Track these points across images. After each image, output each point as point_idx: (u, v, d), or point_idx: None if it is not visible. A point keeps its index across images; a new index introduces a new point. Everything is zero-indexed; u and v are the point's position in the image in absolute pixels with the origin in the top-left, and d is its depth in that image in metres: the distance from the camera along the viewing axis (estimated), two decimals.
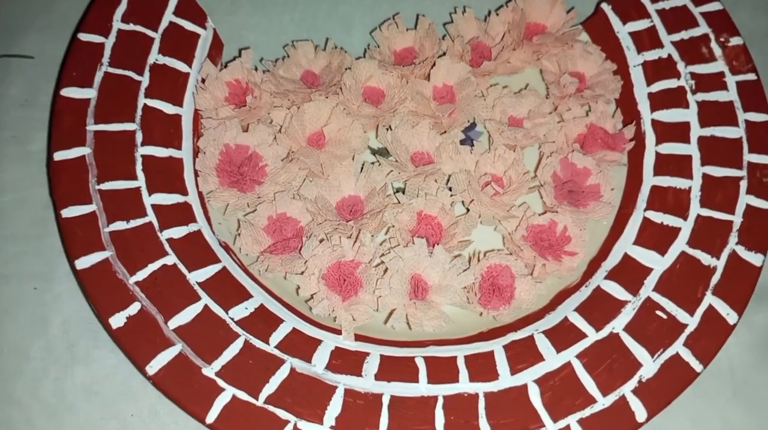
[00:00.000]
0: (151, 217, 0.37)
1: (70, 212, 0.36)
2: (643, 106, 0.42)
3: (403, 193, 0.40)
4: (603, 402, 0.34)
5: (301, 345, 0.35)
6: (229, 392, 0.33)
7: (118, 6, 0.41)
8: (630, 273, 0.37)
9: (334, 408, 0.33)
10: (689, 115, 0.41)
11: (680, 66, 0.42)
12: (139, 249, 0.36)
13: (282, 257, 0.37)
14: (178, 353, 0.34)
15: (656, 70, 0.42)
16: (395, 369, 0.35)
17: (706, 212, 0.38)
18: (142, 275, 0.35)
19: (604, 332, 0.36)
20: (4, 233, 0.40)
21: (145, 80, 0.40)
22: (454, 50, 0.43)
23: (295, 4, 0.48)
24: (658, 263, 0.37)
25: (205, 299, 0.35)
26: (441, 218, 0.39)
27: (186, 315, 0.35)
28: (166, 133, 0.40)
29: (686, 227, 0.38)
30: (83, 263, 0.35)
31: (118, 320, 0.34)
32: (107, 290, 0.35)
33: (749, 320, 0.38)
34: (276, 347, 0.35)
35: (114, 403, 0.36)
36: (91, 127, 0.38)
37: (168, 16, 0.42)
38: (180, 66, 0.41)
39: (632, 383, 0.34)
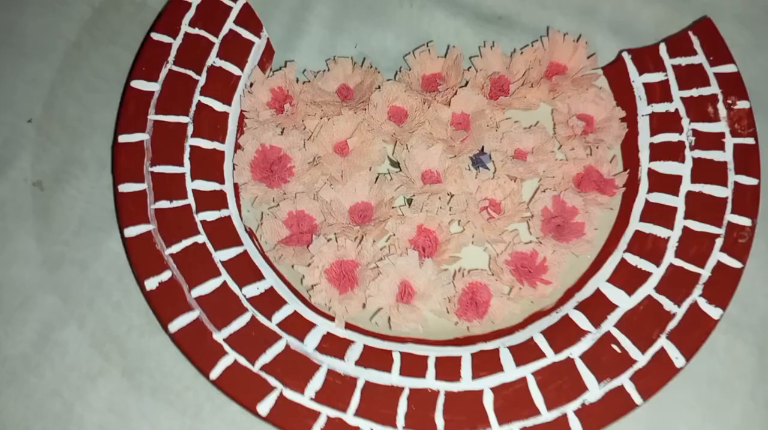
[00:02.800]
0: (190, 200, 0.43)
1: (125, 188, 0.43)
2: (644, 155, 0.45)
3: (410, 205, 0.45)
4: (546, 416, 0.38)
5: (298, 326, 0.41)
6: (231, 356, 0.40)
7: (187, 11, 0.48)
8: (597, 307, 0.41)
9: (316, 383, 0.39)
10: (683, 169, 0.44)
11: (684, 122, 0.45)
12: (177, 226, 0.42)
13: (294, 249, 0.43)
14: (196, 318, 0.40)
15: (661, 123, 0.45)
16: (373, 358, 0.40)
17: (678, 262, 0.42)
18: (176, 248, 0.42)
19: (561, 356, 0.40)
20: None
21: (202, 79, 0.46)
22: (476, 81, 0.48)
23: (344, 28, 0.53)
24: (624, 302, 0.41)
25: (225, 276, 0.42)
26: (438, 233, 0.44)
27: (207, 287, 0.41)
28: (214, 128, 0.46)
29: (657, 273, 0.42)
30: (131, 232, 0.42)
31: (151, 283, 0.41)
32: (146, 258, 0.41)
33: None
34: (277, 324, 0.41)
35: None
36: (152, 116, 0.45)
37: (229, 24, 0.48)
38: (233, 69, 0.47)
39: (575, 404, 0.38)
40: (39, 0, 0.55)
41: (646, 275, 0.42)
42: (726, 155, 0.44)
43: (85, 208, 0.48)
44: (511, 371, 0.40)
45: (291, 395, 0.39)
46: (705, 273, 0.41)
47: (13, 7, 0.54)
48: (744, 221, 0.42)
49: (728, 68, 0.46)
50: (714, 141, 0.44)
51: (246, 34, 0.48)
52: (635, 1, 0.53)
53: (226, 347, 0.40)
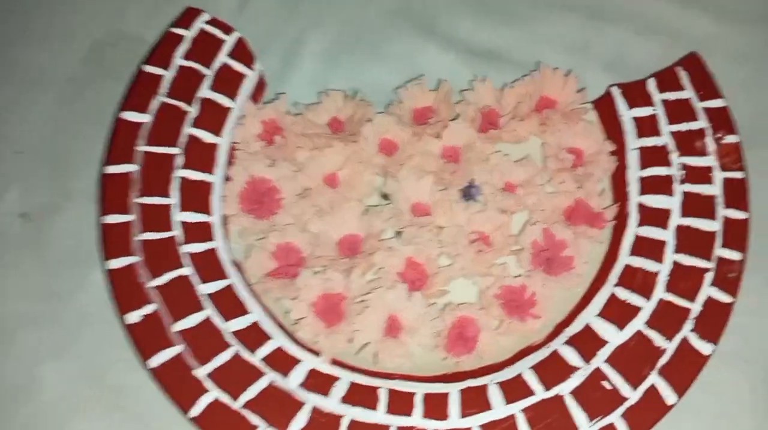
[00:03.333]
0: (177, 231, 0.43)
1: (111, 219, 0.43)
2: (633, 188, 0.45)
3: (400, 236, 0.45)
4: None
5: (282, 362, 0.40)
6: (213, 394, 0.39)
7: (180, 44, 0.48)
8: (587, 342, 0.41)
9: (300, 422, 0.38)
10: (673, 203, 0.44)
11: (673, 156, 0.45)
12: (162, 258, 0.42)
13: (280, 282, 0.43)
14: (177, 354, 0.40)
15: (650, 157, 0.45)
16: (359, 395, 0.39)
17: (668, 297, 0.41)
18: (160, 280, 0.41)
19: (551, 393, 0.39)
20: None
21: (193, 111, 0.47)
22: (467, 115, 0.48)
23: (337, 62, 0.53)
24: (614, 337, 0.41)
25: (209, 310, 0.41)
26: (426, 266, 0.43)
27: (190, 321, 0.41)
28: (203, 159, 0.46)
29: (647, 308, 0.41)
30: (114, 264, 0.42)
31: (132, 318, 0.40)
32: (129, 290, 0.41)
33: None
34: (261, 360, 0.40)
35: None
36: (141, 147, 0.45)
37: (222, 57, 0.48)
38: (225, 101, 0.47)
39: None
40: (43, 34, 0.55)
41: (636, 309, 0.41)
42: (715, 189, 0.44)
43: (71, 240, 0.48)
44: (499, 409, 0.39)
45: None
46: (695, 307, 0.41)
47: (18, 41, 0.55)
48: (734, 256, 0.42)
49: (716, 103, 0.46)
50: (703, 175, 0.44)
51: (239, 67, 0.48)
52: (628, 38, 0.54)
53: (208, 384, 0.39)
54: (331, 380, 0.40)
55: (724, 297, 0.41)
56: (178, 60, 0.48)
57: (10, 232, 0.48)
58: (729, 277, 0.41)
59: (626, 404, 0.38)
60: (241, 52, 0.49)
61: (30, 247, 0.47)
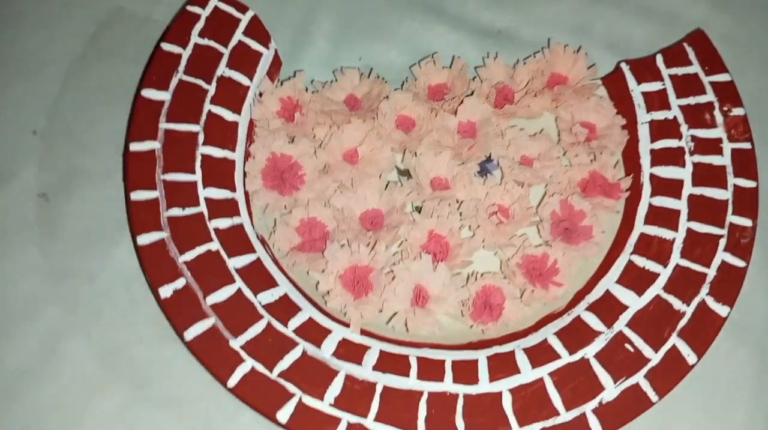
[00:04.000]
0: (202, 207, 0.43)
1: (137, 196, 0.43)
2: (645, 160, 0.46)
3: (420, 212, 0.46)
4: (565, 416, 0.39)
5: (314, 332, 0.41)
6: (248, 364, 0.39)
7: (197, 23, 0.48)
8: (608, 308, 0.42)
9: (335, 389, 0.39)
10: (684, 173, 0.45)
11: (683, 128, 0.47)
12: (190, 233, 0.42)
13: (308, 255, 0.43)
14: (212, 326, 0.40)
15: (661, 130, 0.47)
16: (391, 363, 0.40)
17: (684, 263, 0.43)
18: (190, 256, 0.42)
19: (576, 356, 0.41)
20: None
21: (212, 89, 0.47)
22: (481, 91, 0.49)
23: (348, 41, 0.54)
24: (634, 302, 0.42)
25: (239, 283, 0.42)
26: (449, 238, 0.44)
27: (222, 294, 0.41)
28: (224, 136, 0.46)
29: (664, 274, 0.43)
30: (143, 239, 0.42)
31: (166, 291, 0.41)
32: (160, 265, 0.41)
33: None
34: (293, 331, 0.41)
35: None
36: (163, 125, 0.45)
37: (238, 35, 0.49)
38: (242, 80, 0.48)
39: (593, 403, 0.39)
40: (40, 15, 0.55)
41: (654, 275, 0.43)
42: (724, 160, 0.45)
43: (91, 218, 0.47)
44: (527, 373, 0.40)
45: (310, 401, 0.39)
46: (711, 272, 0.42)
47: (14, 23, 0.54)
48: (745, 222, 0.44)
49: (723, 77, 0.48)
50: (712, 146, 0.46)
51: (255, 45, 0.49)
52: (627, 18, 0.55)
53: (243, 355, 0.40)
54: (362, 349, 0.41)
55: (737, 262, 0.42)
56: (195, 38, 0.48)
57: (28, 212, 0.47)
58: (742, 242, 0.43)
59: (649, 365, 0.40)
60: (256, 30, 0.49)
61: (49, 226, 0.47)
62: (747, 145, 0.46)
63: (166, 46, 0.47)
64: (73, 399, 0.43)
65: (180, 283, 0.41)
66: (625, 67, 0.49)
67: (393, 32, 0.55)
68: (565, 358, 0.41)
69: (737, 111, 0.47)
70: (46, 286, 0.46)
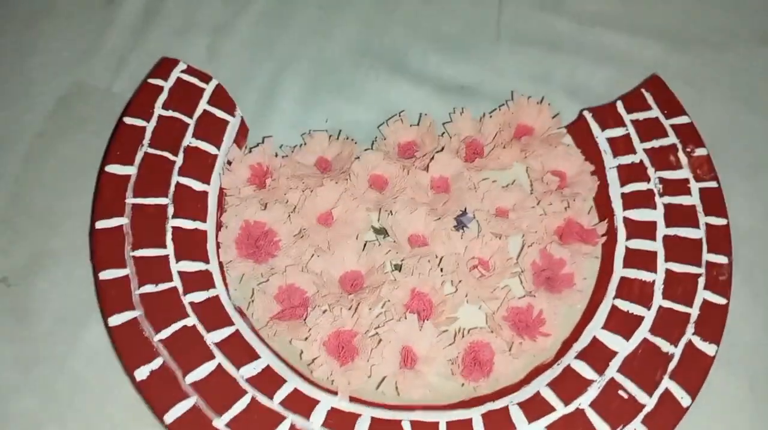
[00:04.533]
0: (176, 282, 0.42)
1: (106, 275, 0.41)
2: (617, 204, 0.47)
3: (400, 270, 0.45)
4: None
5: (301, 403, 0.39)
6: None
7: (160, 94, 0.48)
8: (597, 354, 0.42)
9: None
10: (656, 215, 0.46)
11: (650, 171, 0.47)
12: (164, 310, 0.41)
13: (288, 323, 0.42)
14: (193, 405, 0.38)
15: (629, 174, 0.48)
16: None
17: (667, 304, 0.43)
18: (165, 333, 0.40)
19: (571, 407, 0.40)
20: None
21: (179, 160, 0.46)
22: (451, 146, 0.49)
23: (315, 102, 0.54)
24: (622, 347, 0.42)
25: (219, 358, 0.40)
26: (432, 296, 0.44)
27: (201, 371, 0.39)
28: (194, 207, 0.45)
29: (649, 316, 0.43)
30: (115, 320, 0.40)
31: (142, 373, 0.39)
32: (134, 346, 0.39)
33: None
34: (279, 404, 0.39)
35: None
36: (130, 200, 0.44)
37: (203, 105, 0.48)
38: (210, 149, 0.47)
39: None
40: (2, 93, 0.53)
41: (639, 318, 0.43)
42: (693, 199, 0.46)
43: (58, 301, 0.45)
44: (524, 428, 0.39)
45: None
46: (694, 312, 0.43)
47: None
48: (721, 259, 0.44)
49: (682, 119, 0.49)
50: (680, 187, 0.47)
51: (220, 113, 0.48)
52: (586, 65, 0.57)
53: None
54: (353, 417, 0.39)
55: (718, 299, 0.43)
56: (159, 110, 0.47)
57: None
58: (720, 280, 0.43)
59: (645, 411, 0.39)
60: (221, 98, 0.49)
61: (13, 313, 0.45)
62: (713, 184, 0.47)
63: (129, 120, 0.46)
64: None
65: (157, 363, 0.39)
66: (588, 114, 0.50)
67: (358, 92, 0.55)
68: (561, 410, 0.40)
69: (700, 151, 0.48)
70: (15, 375, 0.43)
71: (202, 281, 0.43)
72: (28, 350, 0.44)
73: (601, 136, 0.49)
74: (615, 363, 0.41)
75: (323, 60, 0.56)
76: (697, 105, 0.53)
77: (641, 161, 0.48)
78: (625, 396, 0.40)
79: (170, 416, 0.38)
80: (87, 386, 0.43)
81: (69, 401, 0.42)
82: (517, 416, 0.40)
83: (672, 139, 0.49)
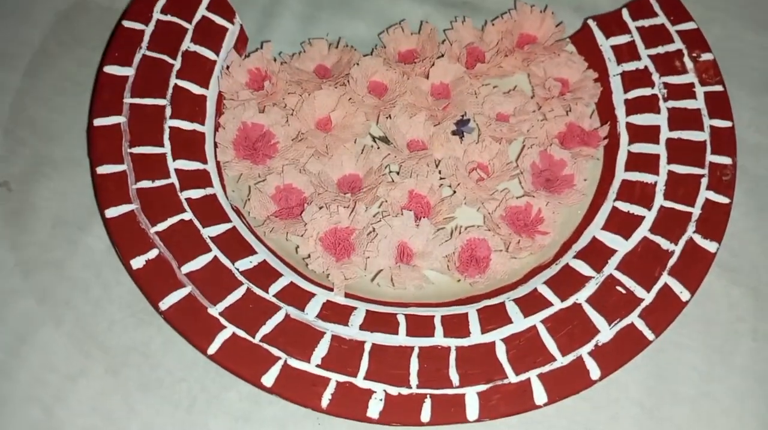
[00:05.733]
0: (173, 179, 0.42)
1: (104, 170, 0.41)
2: (620, 110, 0.46)
3: (398, 175, 0.45)
4: (561, 361, 0.37)
5: (296, 296, 0.39)
6: (229, 330, 0.37)
7: (158, 1, 0.47)
8: (596, 253, 0.41)
9: (321, 350, 0.37)
10: (660, 119, 0.45)
11: (655, 77, 0.47)
12: (161, 205, 0.41)
13: (285, 221, 0.42)
14: (188, 294, 0.38)
15: (633, 80, 0.47)
16: (378, 322, 0.39)
17: (668, 204, 0.42)
18: (162, 226, 0.40)
19: (568, 302, 0.39)
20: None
21: (177, 64, 0.45)
22: (451, 53, 0.48)
23: (316, 18, 0.53)
24: (621, 246, 0.41)
25: (215, 251, 0.40)
26: (429, 197, 0.43)
27: (197, 263, 0.39)
28: (192, 110, 0.45)
29: (650, 216, 0.42)
30: (112, 212, 0.40)
31: (138, 262, 0.39)
32: (131, 237, 0.39)
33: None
34: (274, 296, 0.39)
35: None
36: (128, 99, 0.44)
37: (201, 11, 0.48)
38: (209, 54, 0.47)
39: (589, 346, 0.38)
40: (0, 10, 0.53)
41: (640, 218, 0.42)
42: (698, 103, 0.45)
43: (58, 207, 0.46)
44: (519, 322, 0.39)
45: (296, 363, 0.37)
46: (695, 211, 0.42)
47: None
48: (725, 160, 0.43)
49: (689, 26, 0.48)
50: (685, 91, 0.46)
51: (219, 20, 0.48)
52: None
53: (223, 321, 0.38)
54: (348, 310, 0.39)
55: (721, 199, 0.42)
56: (157, 14, 0.47)
57: None
58: (724, 180, 0.43)
59: (642, 305, 0.39)
60: (221, 5, 0.48)
61: (14, 217, 0.45)
62: (719, 88, 0.46)
63: (128, 23, 0.46)
64: (47, 390, 0.41)
65: (153, 253, 0.39)
66: (592, 23, 0.49)
67: (361, 8, 0.54)
68: (557, 305, 0.39)
69: (706, 56, 0.47)
70: (13, 279, 0.43)
71: (199, 179, 0.43)
72: (27, 254, 0.44)
73: (606, 44, 0.48)
74: (614, 261, 0.41)
75: None
76: (706, 22, 0.51)
77: (645, 67, 0.47)
78: (623, 291, 0.40)
79: (165, 303, 0.38)
80: (84, 287, 0.43)
81: (66, 301, 0.42)
82: (513, 310, 0.39)
83: (678, 44, 0.47)
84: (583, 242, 0.42)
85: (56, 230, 0.45)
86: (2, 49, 0.52)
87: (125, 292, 0.43)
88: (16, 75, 0.51)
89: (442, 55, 0.48)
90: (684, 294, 0.39)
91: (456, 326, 0.39)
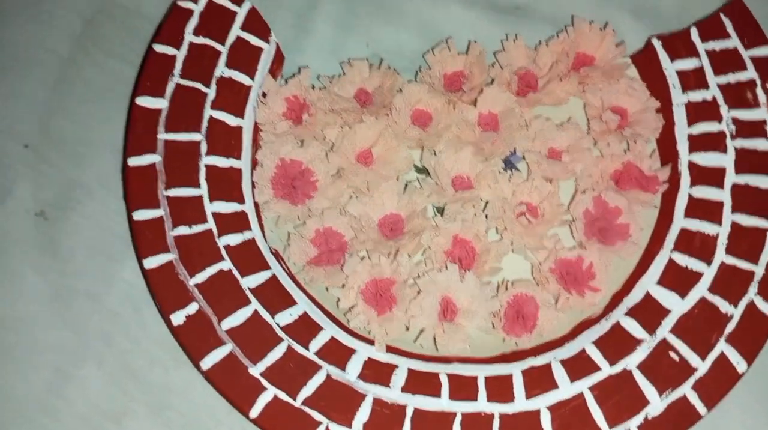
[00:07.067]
0: (211, 223, 0.41)
1: (140, 215, 0.40)
2: (682, 146, 0.43)
3: (442, 213, 0.43)
4: None
5: (337, 353, 0.39)
6: (271, 392, 0.37)
7: (190, 19, 0.44)
8: (649, 312, 0.39)
9: (363, 415, 0.37)
10: (726, 160, 0.42)
11: (723, 110, 0.43)
12: (199, 253, 0.40)
13: (326, 269, 0.41)
14: (229, 353, 0.38)
15: (699, 112, 0.43)
16: (420, 383, 0.38)
17: (730, 260, 0.40)
18: (200, 277, 0.39)
19: (617, 368, 0.38)
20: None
21: (211, 93, 0.43)
22: (501, 78, 0.45)
23: (353, 26, 0.50)
24: (677, 305, 0.39)
25: (255, 304, 0.39)
26: (475, 244, 0.41)
27: (237, 318, 0.39)
28: (228, 143, 0.43)
29: (709, 273, 0.40)
30: (150, 262, 0.39)
31: (178, 318, 0.38)
32: (170, 290, 0.39)
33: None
34: (315, 353, 0.38)
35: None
36: (162, 135, 0.42)
37: (235, 31, 0.45)
38: (243, 79, 0.44)
39: (638, 419, 0.37)
40: (21, 16, 0.51)
41: (698, 275, 0.40)
42: None
43: (93, 236, 0.45)
44: (566, 388, 0.38)
45: (338, 429, 0.37)
46: (759, 270, 0.39)
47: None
48: None
49: (764, 51, 0.44)
50: (756, 129, 0.42)
51: (254, 40, 0.45)
52: None
53: (264, 382, 0.37)
54: (389, 368, 0.38)
55: None
56: (189, 36, 0.44)
57: (26, 232, 0.45)
58: None
59: (696, 375, 0.37)
60: (255, 23, 0.46)
61: (49, 247, 0.44)
62: None
63: (159, 48, 0.44)
64: (96, 426, 0.41)
65: (192, 308, 0.38)
66: (656, 42, 0.45)
67: (401, 14, 0.51)
68: (606, 370, 0.38)
69: None
70: (50, 311, 0.43)
71: (237, 222, 0.41)
72: (64, 284, 0.43)
73: (670, 68, 0.45)
74: (668, 322, 0.39)
75: None
76: None
77: (713, 98, 0.43)
78: (676, 358, 0.38)
79: (207, 363, 0.37)
80: (123, 323, 0.43)
81: (105, 338, 0.42)
82: (560, 373, 0.38)
83: (751, 73, 0.44)
84: (635, 296, 0.40)
85: (91, 261, 0.44)
86: (27, 59, 0.49)
87: (165, 330, 0.42)
88: (42, 88, 0.49)
89: (492, 80, 0.45)
90: (741, 365, 0.38)
91: (500, 390, 0.38)
